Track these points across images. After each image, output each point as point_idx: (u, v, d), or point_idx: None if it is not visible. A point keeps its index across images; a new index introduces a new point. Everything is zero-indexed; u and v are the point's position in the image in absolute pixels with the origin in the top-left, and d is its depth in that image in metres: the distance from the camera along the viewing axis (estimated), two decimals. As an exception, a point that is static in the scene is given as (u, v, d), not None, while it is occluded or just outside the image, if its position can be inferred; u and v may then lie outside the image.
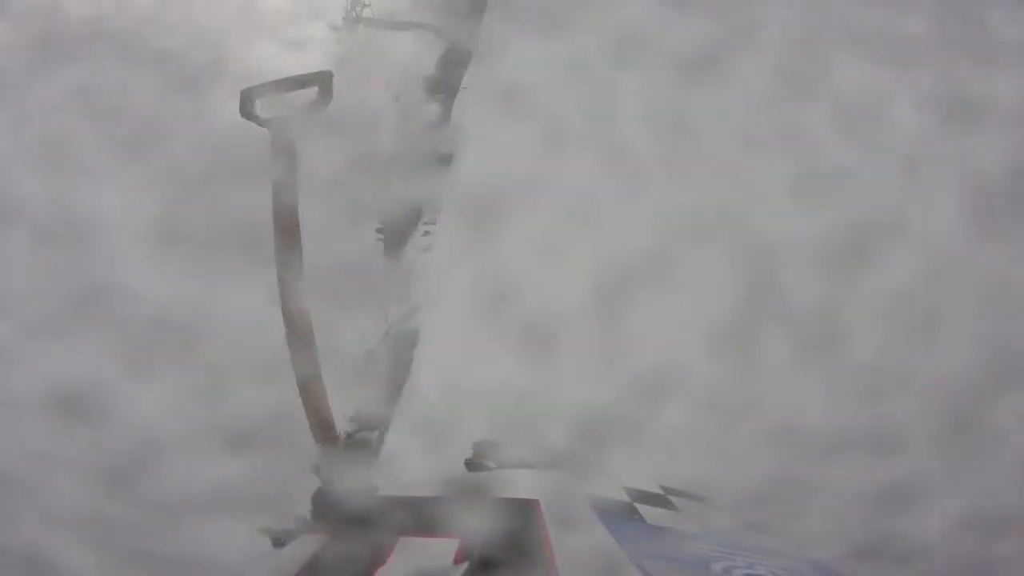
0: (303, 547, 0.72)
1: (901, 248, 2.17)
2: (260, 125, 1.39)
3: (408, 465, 1.23)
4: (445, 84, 3.13)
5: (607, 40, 2.71)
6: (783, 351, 1.91)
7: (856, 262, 2.23)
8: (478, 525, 0.70)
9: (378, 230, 2.66)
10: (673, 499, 1.02)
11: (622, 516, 0.86)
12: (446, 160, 2.95)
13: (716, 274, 2.12)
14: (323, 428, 1.25)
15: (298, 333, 1.37)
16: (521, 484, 0.86)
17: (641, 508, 0.92)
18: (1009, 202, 2.18)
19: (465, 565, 0.64)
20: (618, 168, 2.63)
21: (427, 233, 2.70)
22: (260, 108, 1.41)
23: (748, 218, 2.39)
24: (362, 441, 1.65)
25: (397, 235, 2.71)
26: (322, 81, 1.47)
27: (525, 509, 0.76)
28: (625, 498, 0.94)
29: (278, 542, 1.99)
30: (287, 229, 1.41)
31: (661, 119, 2.79)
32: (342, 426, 1.67)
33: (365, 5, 3.07)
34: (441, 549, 0.69)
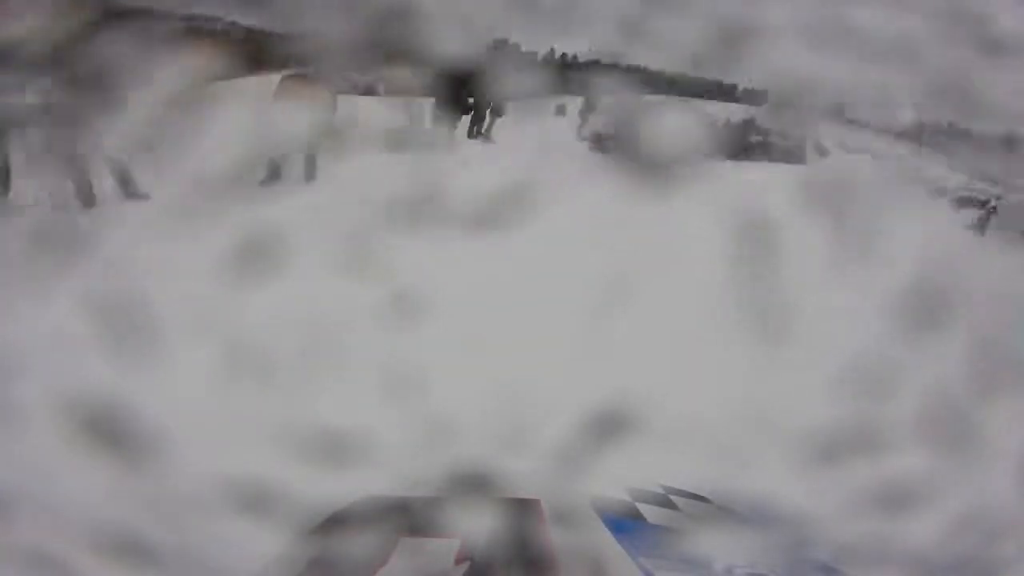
0: (304, 548, 0.72)
1: (900, 248, 2.18)
2: None
3: (408, 465, 1.23)
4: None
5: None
6: (782, 350, 1.92)
7: (854, 261, 2.24)
8: (479, 525, 0.70)
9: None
10: (675, 499, 1.02)
11: (624, 516, 0.86)
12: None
13: (715, 273, 2.13)
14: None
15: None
16: (522, 484, 0.86)
17: (643, 508, 0.92)
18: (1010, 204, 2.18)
19: (466, 565, 0.64)
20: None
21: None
22: None
23: (745, 218, 2.40)
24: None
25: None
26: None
27: (526, 509, 0.76)
28: (626, 498, 0.93)
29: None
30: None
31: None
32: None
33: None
34: (442, 549, 0.69)
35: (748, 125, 3.13)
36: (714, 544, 0.77)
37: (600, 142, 3.52)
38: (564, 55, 3.40)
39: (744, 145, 3.10)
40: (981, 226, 3.11)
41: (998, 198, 2.91)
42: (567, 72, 3.31)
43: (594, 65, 3.01)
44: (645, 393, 1.75)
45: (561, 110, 3.67)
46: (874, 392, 1.74)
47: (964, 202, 3.00)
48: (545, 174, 2.85)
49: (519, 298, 2.37)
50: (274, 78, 3.19)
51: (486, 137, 3.68)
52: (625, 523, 0.83)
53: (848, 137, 2.87)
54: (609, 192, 2.66)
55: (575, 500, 0.85)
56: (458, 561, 0.66)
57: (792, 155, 3.00)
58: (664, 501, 0.98)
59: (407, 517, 0.76)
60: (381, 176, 2.97)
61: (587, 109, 3.57)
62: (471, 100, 3.44)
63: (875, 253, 2.27)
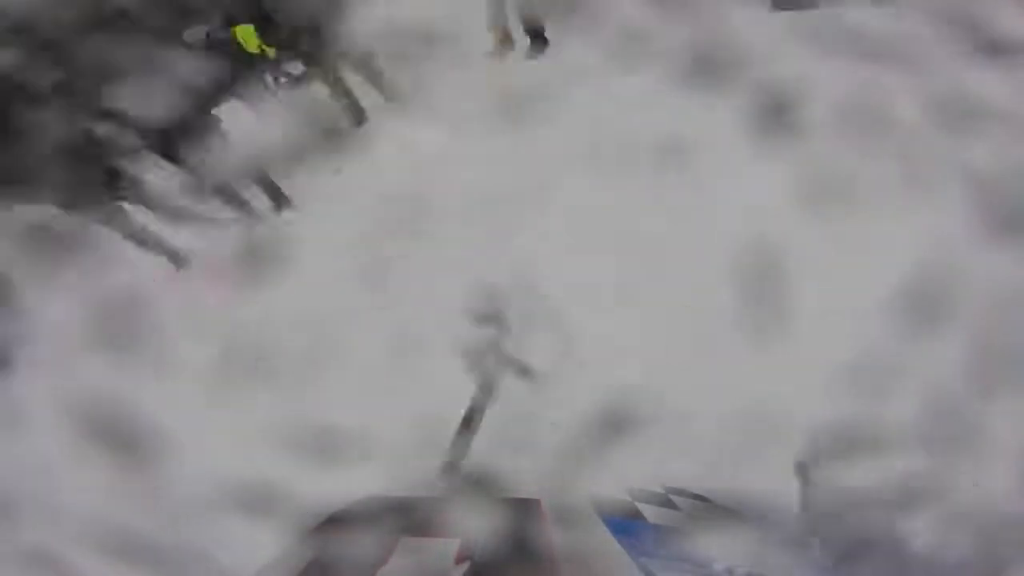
0: (304, 548, 0.72)
1: (900, 247, 2.18)
2: None
3: (408, 464, 1.24)
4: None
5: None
6: (782, 350, 1.92)
7: (855, 261, 2.24)
8: (479, 525, 0.70)
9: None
10: (675, 499, 1.02)
11: (624, 516, 0.86)
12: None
13: (716, 272, 2.13)
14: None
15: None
16: (522, 484, 0.86)
17: (643, 508, 0.91)
18: (1009, 202, 2.18)
19: (466, 565, 0.64)
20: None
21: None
22: None
23: (745, 218, 2.40)
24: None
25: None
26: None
27: (527, 509, 0.76)
28: (626, 498, 0.93)
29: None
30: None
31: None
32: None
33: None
34: (442, 549, 0.69)
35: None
36: (714, 544, 0.77)
37: None
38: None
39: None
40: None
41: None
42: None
43: None
44: (646, 393, 1.75)
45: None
46: (874, 392, 1.74)
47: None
48: (547, 175, 2.85)
49: (522, 297, 2.37)
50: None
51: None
52: (625, 523, 0.82)
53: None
54: (613, 192, 2.67)
55: (575, 500, 0.85)
56: (458, 561, 0.66)
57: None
58: (664, 501, 0.98)
59: (407, 517, 0.76)
60: (383, 179, 2.98)
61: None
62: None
63: (875, 253, 2.27)
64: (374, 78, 3.48)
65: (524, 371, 1.38)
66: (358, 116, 3.55)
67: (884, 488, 1.54)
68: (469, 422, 1.32)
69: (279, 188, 3.26)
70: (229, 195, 3.17)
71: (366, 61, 3.40)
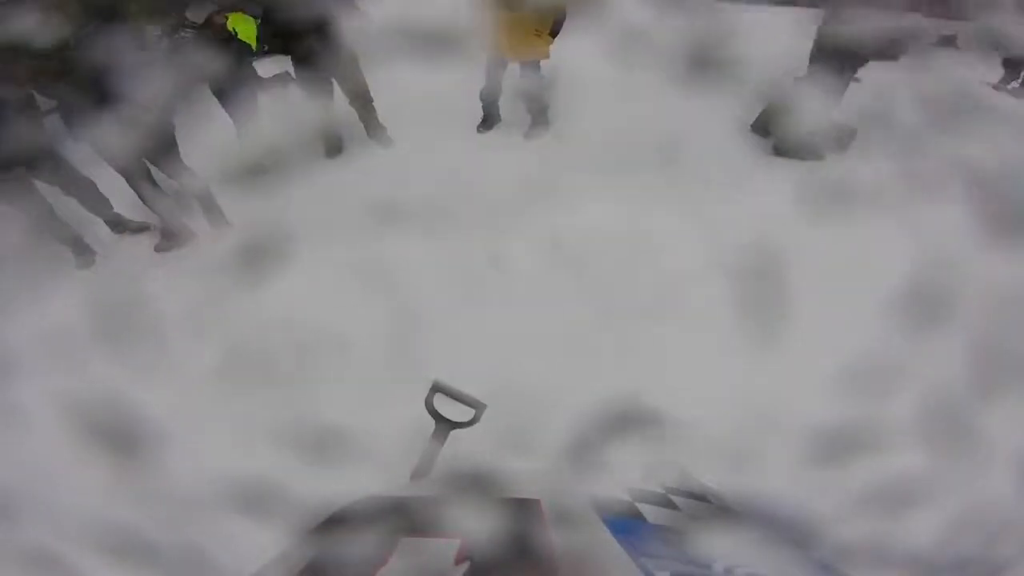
0: (304, 548, 0.72)
1: (900, 247, 2.19)
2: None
3: (408, 465, 1.24)
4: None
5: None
6: (783, 351, 1.92)
7: (855, 261, 2.24)
8: (479, 525, 0.70)
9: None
10: (675, 499, 1.02)
11: (624, 516, 0.85)
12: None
13: (716, 273, 2.13)
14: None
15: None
16: (522, 484, 0.86)
17: (643, 508, 0.91)
18: (1010, 202, 2.19)
19: (466, 565, 0.63)
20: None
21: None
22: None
23: (746, 219, 2.40)
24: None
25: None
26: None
27: (527, 509, 0.76)
28: (626, 498, 0.93)
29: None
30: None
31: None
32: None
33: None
34: (442, 549, 0.68)
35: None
36: (714, 544, 0.77)
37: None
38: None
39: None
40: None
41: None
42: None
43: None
44: (649, 394, 1.75)
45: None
46: (874, 392, 1.74)
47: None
48: (548, 175, 2.85)
49: (523, 298, 2.37)
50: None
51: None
52: (625, 523, 0.82)
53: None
54: (613, 192, 2.67)
55: (575, 500, 0.85)
56: (458, 561, 0.65)
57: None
58: (664, 501, 0.97)
59: (407, 517, 0.76)
60: (384, 175, 2.98)
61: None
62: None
63: (875, 253, 2.27)
64: (364, 110, 3.31)
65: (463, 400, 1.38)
66: (335, 143, 3.36)
67: (884, 488, 1.54)
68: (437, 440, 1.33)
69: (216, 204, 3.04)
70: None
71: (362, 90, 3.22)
